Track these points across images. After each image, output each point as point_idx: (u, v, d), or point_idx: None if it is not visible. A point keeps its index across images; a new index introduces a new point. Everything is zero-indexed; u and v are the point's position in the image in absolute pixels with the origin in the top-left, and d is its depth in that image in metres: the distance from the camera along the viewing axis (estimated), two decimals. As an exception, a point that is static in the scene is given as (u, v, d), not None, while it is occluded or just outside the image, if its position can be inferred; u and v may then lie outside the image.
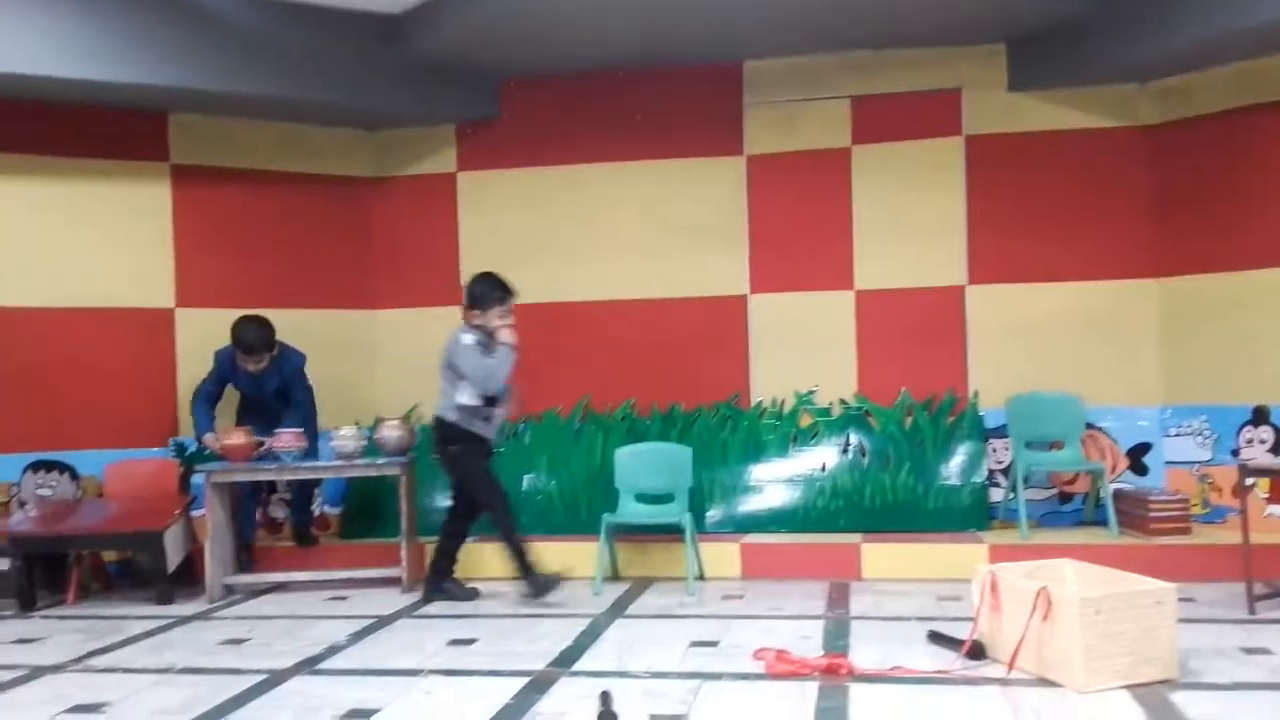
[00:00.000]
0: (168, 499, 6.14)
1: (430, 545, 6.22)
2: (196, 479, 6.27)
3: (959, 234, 6.50)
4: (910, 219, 6.54)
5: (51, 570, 5.99)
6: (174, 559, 5.81)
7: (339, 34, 6.33)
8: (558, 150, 6.90)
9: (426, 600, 5.58)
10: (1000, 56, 6.46)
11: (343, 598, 5.76)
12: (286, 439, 5.95)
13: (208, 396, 6.25)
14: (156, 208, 6.53)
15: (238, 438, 5.97)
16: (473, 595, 5.63)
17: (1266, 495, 5.92)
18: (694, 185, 6.78)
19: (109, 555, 6.29)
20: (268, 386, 6.28)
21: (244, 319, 6.19)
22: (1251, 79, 5.94)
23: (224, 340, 6.51)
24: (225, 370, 6.26)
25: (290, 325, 6.77)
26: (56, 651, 4.70)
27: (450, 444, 5.50)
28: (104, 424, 6.38)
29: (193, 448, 6.51)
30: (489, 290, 5.49)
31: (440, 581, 5.65)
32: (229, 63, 6.05)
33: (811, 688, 3.82)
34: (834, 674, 3.94)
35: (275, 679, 4.13)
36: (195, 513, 6.23)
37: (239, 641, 4.82)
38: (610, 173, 6.84)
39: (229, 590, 5.92)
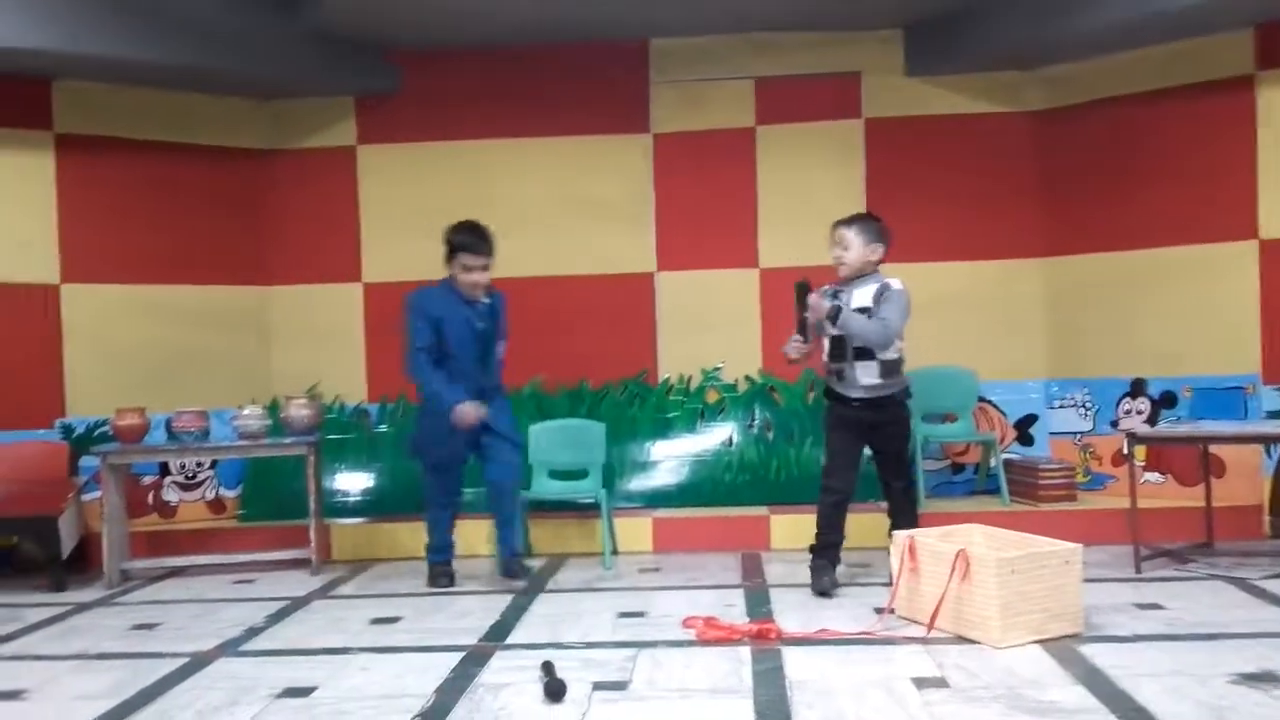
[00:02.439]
0: (58, 483, 5.88)
1: (337, 527, 6.15)
2: (89, 462, 6.04)
3: (859, 214, 6.70)
4: (812, 199, 6.70)
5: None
6: (68, 544, 5.57)
7: (234, 0, 6.13)
8: (462, 125, 6.83)
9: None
10: (897, 42, 6.67)
11: (249, 581, 5.62)
12: (186, 419, 5.77)
13: (429, 357, 4.97)
14: (40, 179, 6.20)
15: (130, 418, 5.75)
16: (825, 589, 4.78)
17: (1144, 463, 6.29)
18: (600, 163, 6.80)
19: (-9, 542, 5.99)
20: (484, 325, 5.08)
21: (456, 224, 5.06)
22: (1130, 69, 6.28)
23: (117, 320, 6.31)
24: (433, 311, 4.96)
25: (181, 302, 6.60)
26: (-48, 641, 4.48)
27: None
28: (-15, 405, 6.06)
29: (81, 429, 6.24)
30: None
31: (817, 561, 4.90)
32: (117, 27, 5.79)
33: (744, 652, 3.92)
34: (764, 638, 4.05)
35: (199, 661, 4.03)
36: (88, 497, 5.99)
37: (150, 626, 4.66)
38: (516, 149, 6.80)
39: (125, 576, 5.72)
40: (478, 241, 4.99)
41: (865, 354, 4.76)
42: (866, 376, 4.77)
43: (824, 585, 4.76)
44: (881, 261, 4.86)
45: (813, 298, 4.75)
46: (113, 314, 6.39)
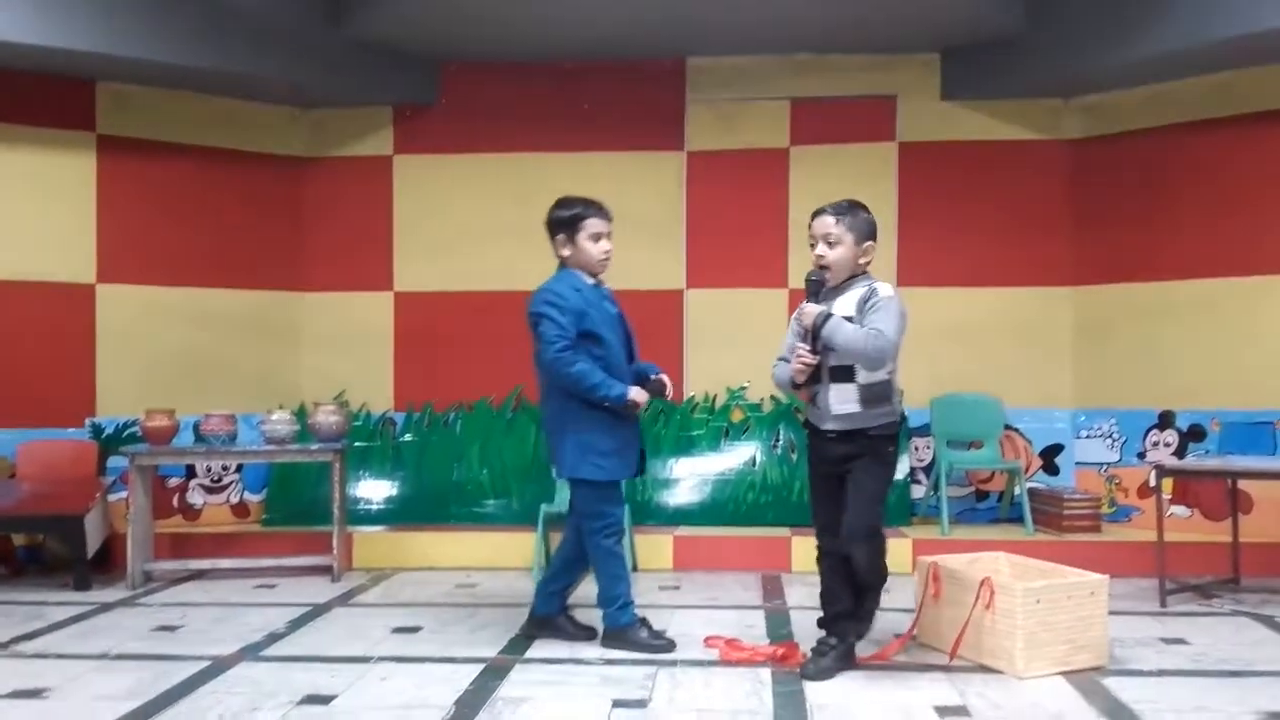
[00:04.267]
0: (85, 482, 5.93)
1: (359, 534, 6.17)
2: (116, 462, 6.10)
3: (890, 238, 6.64)
4: None
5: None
6: (93, 544, 5.62)
7: (277, 8, 6.18)
8: (497, 138, 6.87)
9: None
10: (935, 66, 6.68)
11: (271, 586, 5.64)
12: (215, 422, 5.81)
13: (576, 350, 4.10)
14: (80, 179, 6.26)
15: (160, 420, 5.79)
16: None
17: (1170, 496, 6.23)
18: (634, 179, 6.80)
19: (18, 539, 6.05)
20: (618, 309, 4.39)
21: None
22: (1167, 100, 6.27)
23: (150, 321, 6.37)
24: (575, 303, 4.14)
25: (213, 305, 6.66)
26: (-23, 636, 4.52)
27: None
28: (17, 402, 6.10)
29: (110, 429, 6.29)
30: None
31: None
32: (161, 31, 5.84)
33: (765, 674, 3.90)
34: (787, 661, 4.03)
35: (219, 665, 4.04)
36: (114, 497, 6.05)
37: (172, 628, 4.69)
38: (549, 163, 6.81)
39: (148, 577, 5.76)
40: (599, 206, 4.26)
41: (843, 375, 3.87)
42: (842, 403, 3.88)
43: (807, 670, 3.89)
44: (869, 263, 4.01)
45: (809, 305, 3.91)
46: (146, 315, 6.45)
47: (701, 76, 6.80)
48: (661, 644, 4.23)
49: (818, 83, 6.72)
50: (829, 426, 3.93)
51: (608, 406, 4.14)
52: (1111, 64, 6.01)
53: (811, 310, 3.87)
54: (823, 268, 3.92)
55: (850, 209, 3.95)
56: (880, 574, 4.04)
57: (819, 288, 3.93)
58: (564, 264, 4.27)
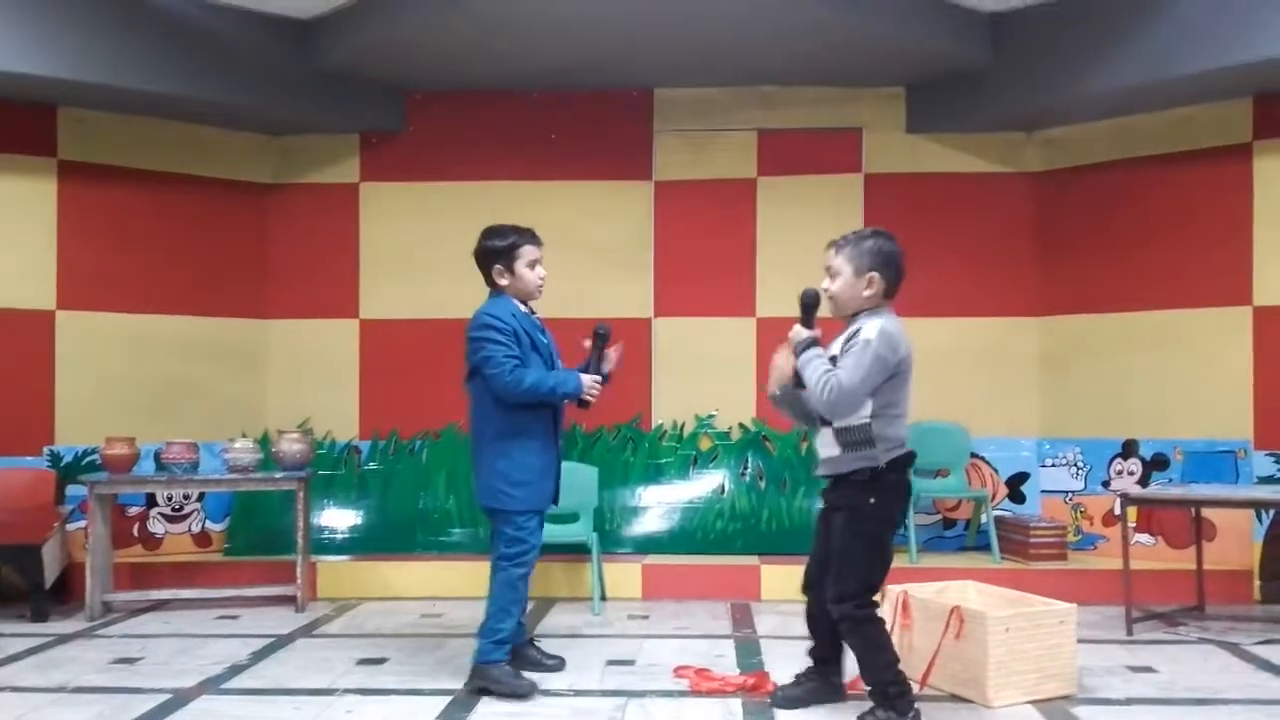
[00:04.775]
0: (43, 511, 5.81)
1: (323, 564, 6.09)
2: (75, 490, 5.99)
3: (857, 267, 6.72)
4: (811, 251, 6.62)
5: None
6: (51, 574, 5.51)
7: (243, 35, 6.13)
8: (464, 166, 6.85)
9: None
10: (900, 100, 6.74)
11: (233, 616, 5.55)
12: (177, 450, 5.73)
13: (519, 360, 4.08)
14: (41, 205, 6.16)
15: (120, 448, 5.70)
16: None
17: (1134, 524, 6.28)
18: (602, 208, 6.82)
19: (-28, 570, 5.92)
20: (548, 339, 4.35)
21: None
22: (1129, 134, 6.37)
23: (111, 348, 6.28)
24: (512, 324, 4.12)
25: (176, 332, 6.58)
26: (-71, 671, 4.41)
27: None
28: (-28, 430, 6.00)
29: (69, 458, 6.18)
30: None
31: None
32: (124, 57, 5.77)
33: (735, 704, 3.88)
34: (757, 691, 4.01)
35: (181, 698, 3.97)
36: (73, 526, 5.94)
37: (132, 660, 4.60)
38: (518, 191, 6.78)
39: (107, 608, 5.64)
40: (531, 233, 4.27)
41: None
42: (825, 447, 3.68)
43: (777, 700, 3.89)
44: (887, 297, 3.66)
45: (797, 328, 3.69)
46: (107, 342, 6.35)
47: (669, 107, 6.83)
48: (522, 685, 4.01)
49: (784, 114, 6.76)
50: (818, 471, 3.79)
51: (570, 402, 4.22)
52: (1074, 98, 6.10)
53: (795, 335, 3.66)
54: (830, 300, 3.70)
55: (852, 239, 3.69)
56: (870, 653, 3.61)
57: (809, 310, 3.66)
58: (499, 292, 4.25)
